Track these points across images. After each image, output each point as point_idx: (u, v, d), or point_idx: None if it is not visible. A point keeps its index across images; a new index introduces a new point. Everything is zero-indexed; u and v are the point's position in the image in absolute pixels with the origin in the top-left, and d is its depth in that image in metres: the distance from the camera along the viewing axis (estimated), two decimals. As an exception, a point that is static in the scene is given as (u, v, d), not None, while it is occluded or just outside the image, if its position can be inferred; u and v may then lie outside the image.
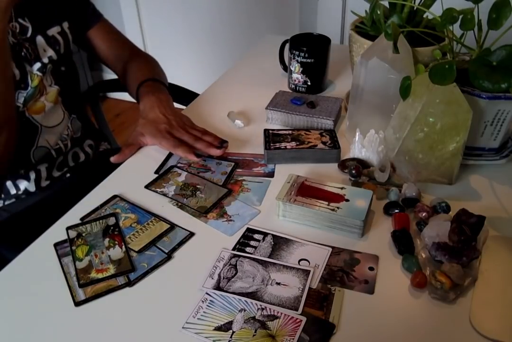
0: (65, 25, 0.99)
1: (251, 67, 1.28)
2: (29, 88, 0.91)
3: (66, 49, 1.00)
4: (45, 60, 0.94)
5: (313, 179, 0.80)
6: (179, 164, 0.91)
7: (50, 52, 0.95)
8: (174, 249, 0.73)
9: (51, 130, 0.98)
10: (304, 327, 0.61)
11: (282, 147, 0.90)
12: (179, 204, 0.82)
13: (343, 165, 0.88)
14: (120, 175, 0.90)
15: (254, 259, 0.71)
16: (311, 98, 1.04)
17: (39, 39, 0.93)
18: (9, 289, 0.68)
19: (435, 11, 0.85)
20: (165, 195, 0.83)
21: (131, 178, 0.88)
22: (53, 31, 0.96)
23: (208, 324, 0.62)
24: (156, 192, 0.84)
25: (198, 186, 0.85)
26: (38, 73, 0.92)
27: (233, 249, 0.73)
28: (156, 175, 0.88)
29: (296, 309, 0.64)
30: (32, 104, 0.93)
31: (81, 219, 0.79)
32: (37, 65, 0.92)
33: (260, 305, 0.64)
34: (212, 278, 0.68)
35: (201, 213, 0.79)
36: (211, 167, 0.90)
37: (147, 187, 0.85)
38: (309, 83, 1.11)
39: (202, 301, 0.65)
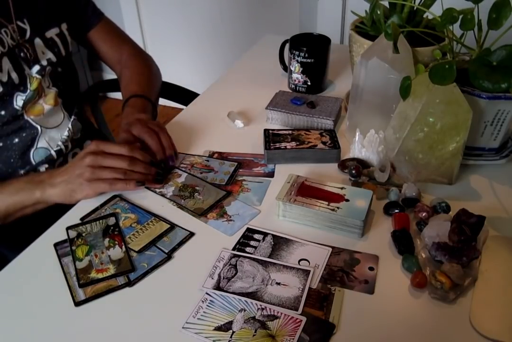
0: (64, 26, 0.98)
1: (251, 67, 1.27)
2: (28, 91, 0.91)
3: (65, 51, 1.00)
4: (44, 62, 0.93)
5: (313, 179, 0.80)
6: (182, 165, 0.91)
7: (49, 55, 0.95)
8: (174, 249, 0.73)
9: (51, 132, 0.98)
10: (304, 327, 0.61)
11: (282, 147, 0.90)
12: (178, 204, 0.82)
13: (343, 165, 0.88)
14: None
15: (254, 259, 0.71)
16: (311, 98, 1.04)
17: (38, 41, 0.93)
18: (9, 288, 0.68)
19: (435, 11, 0.85)
20: (163, 195, 0.83)
21: (131, 177, 0.88)
22: (52, 33, 0.96)
23: (208, 324, 0.62)
24: (155, 192, 0.84)
25: (197, 188, 0.85)
26: (37, 76, 0.92)
27: (233, 249, 0.73)
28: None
29: (296, 309, 0.64)
30: (31, 106, 0.93)
31: (81, 219, 0.79)
32: (36, 67, 0.92)
33: (260, 305, 0.64)
34: (212, 278, 0.68)
35: (198, 214, 0.79)
36: (214, 167, 0.90)
37: (146, 186, 0.85)
38: (309, 83, 1.11)
39: (202, 301, 0.65)
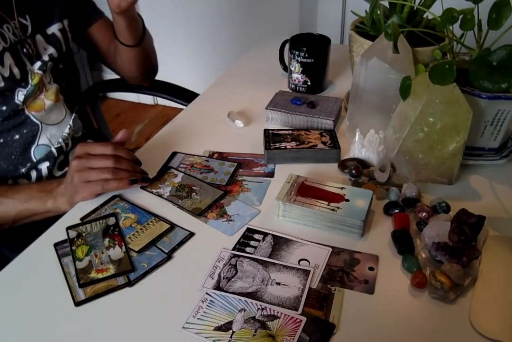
0: (65, 22, 0.99)
1: (251, 67, 1.28)
2: (29, 86, 0.91)
3: (66, 47, 1.00)
4: (46, 58, 0.94)
5: (313, 179, 0.80)
6: (181, 165, 0.91)
7: (51, 50, 0.95)
8: (174, 249, 0.73)
9: (52, 128, 0.98)
10: (304, 327, 0.61)
11: (282, 147, 0.90)
12: (176, 204, 0.82)
13: (343, 165, 0.88)
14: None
15: (254, 259, 0.71)
16: (311, 98, 1.04)
17: (39, 37, 0.94)
18: (9, 288, 0.68)
19: (435, 11, 0.85)
20: (160, 195, 0.83)
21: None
22: (54, 28, 0.97)
23: (208, 324, 0.62)
24: (152, 192, 0.84)
25: (193, 187, 0.85)
26: (39, 71, 0.93)
27: (233, 249, 0.73)
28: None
29: (296, 309, 0.64)
30: (32, 101, 0.93)
31: (81, 219, 0.79)
32: (38, 64, 0.93)
33: (260, 305, 0.64)
34: (212, 278, 0.68)
35: (196, 214, 0.79)
36: (214, 167, 0.90)
37: (143, 187, 0.85)
38: (309, 83, 1.11)
39: (202, 301, 0.65)
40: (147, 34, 1.10)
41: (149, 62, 1.15)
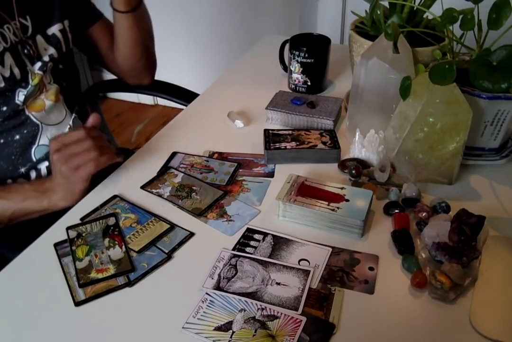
0: (66, 23, 0.99)
1: (251, 67, 1.28)
2: (30, 86, 0.91)
3: (66, 47, 1.00)
4: (46, 58, 0.94)
5: (313, 179, 0.80)
6: (181, 165, 0.91)
7: (51, 50, 0.96)
8: (174, 249, 0.73)
9: (52, 129, 0.98)
10: (304, 327, 0.61)
11: (282, 147, 0.90)
12: (176, 204, 0.82)
13: (343, 165, 0.88)
14: (120, 175, 0.90)
15: (254, 259, 0.71)
16: (311, 98, 1.04)
17: (39, 38, 0.94)
18: (9, 289, 0.68)
19: (435, 11, 0.85)
20: (160, 195, 0.83)
21: (131, 177, 0.88)
22: (54, 29, 0.97)
23: (208, 324, 0.62)
24: (152, 192, 0.84)
25: (193, 187, 0.85)
26: (39, 72, 0.93)
27: (233, 249, 0.73)
28: (158, 176, 0.88)
29: (296, 309, 0.64)
30: (32, 101, 0.94)
31: (81, 219, 0.79)
32: (38, 64, 0.93)
33: (260, 305, 0.64)
34: (212, 278, 0.68)
35: (196, 214, 0.79)
36: (214, 167, 0.90)
37: (143, 187, 0.85)
38: (309, 83, 1.11)
39: (202, 301, 0.65)
40: (144, 6, 1.07)
41: (145, 44, 1.11)
